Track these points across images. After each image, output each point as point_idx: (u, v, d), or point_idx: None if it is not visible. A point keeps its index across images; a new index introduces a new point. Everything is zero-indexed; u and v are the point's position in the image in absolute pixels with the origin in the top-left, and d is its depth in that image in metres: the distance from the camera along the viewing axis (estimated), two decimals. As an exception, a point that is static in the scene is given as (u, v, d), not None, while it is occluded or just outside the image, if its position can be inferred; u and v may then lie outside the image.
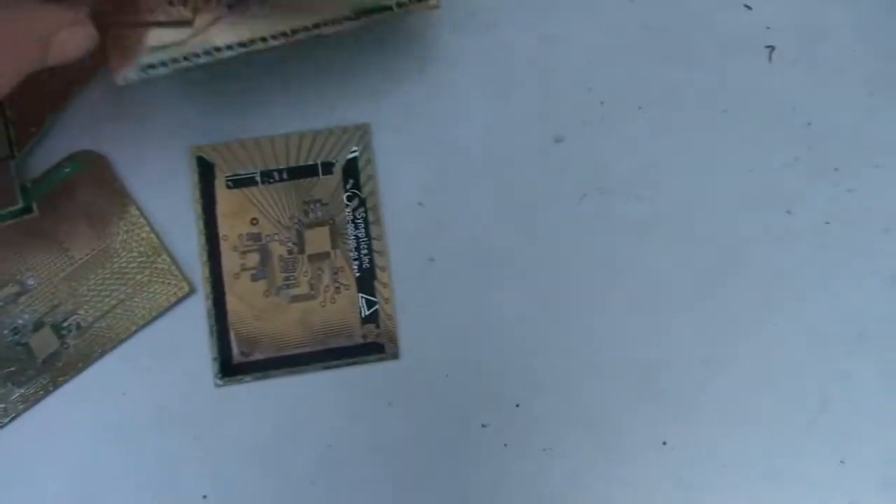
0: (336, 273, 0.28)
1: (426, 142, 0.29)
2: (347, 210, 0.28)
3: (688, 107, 0.30)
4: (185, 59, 0.26)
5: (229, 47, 0.27)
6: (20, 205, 0.29)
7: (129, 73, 0.26)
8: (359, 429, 0.28)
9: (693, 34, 0.30)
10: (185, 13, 0.26)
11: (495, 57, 0.30)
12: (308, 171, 0.29)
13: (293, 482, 0.28)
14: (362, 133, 0.29)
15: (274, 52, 0.25)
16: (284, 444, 0.28)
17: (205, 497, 0.28)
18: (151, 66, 0.26)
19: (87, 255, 0.29)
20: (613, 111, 0.29)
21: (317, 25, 0.27)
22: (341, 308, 0.28)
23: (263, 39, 0.27)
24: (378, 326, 0.28)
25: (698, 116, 0.30)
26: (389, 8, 0.27)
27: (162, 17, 0.26)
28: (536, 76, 0.30)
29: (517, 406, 0.28)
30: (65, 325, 0.28)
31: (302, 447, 0.28)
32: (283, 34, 0.27)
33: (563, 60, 0.30)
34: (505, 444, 0.28)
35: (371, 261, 0.28)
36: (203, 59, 0.26)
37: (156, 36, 0.27)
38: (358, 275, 0.28)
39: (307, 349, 0.28)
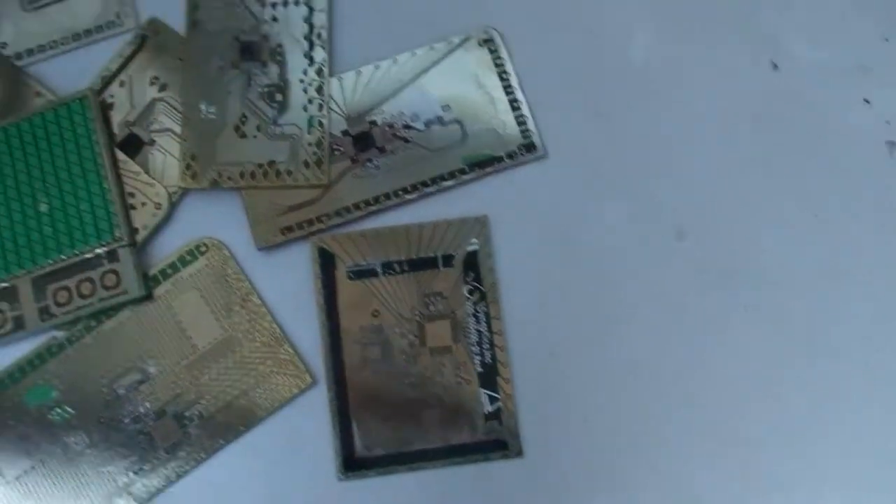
0: (458, 367, 0.28)
1: (545, 234, 0.30)
2: (468, 303, 0.28)
3: (810, 200, 0.30)
4: (319, 220, 0.29)
5: (357, 206, 0.30)
6: (142, 293, 0.29)
7: (269, 238, 0.29)
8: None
9: (812, 129, 0.30)
10: (321, 177, 0.29)
11: (615, 150, 0.31)
12: (429, 264, 0.29)
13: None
14: (481, 226, 0.29)
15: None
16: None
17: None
18: (289, 229, 0.28)
19: (209, 343, 0.29)
20: (734, 208, 0.30)
21: (434, 180, 0.30)
22: (464, 403, 0.28)
23: (387, 196, 0.29)
24: (501, 423, 0.28)
25: (820, 212, 0.30)
26: (500, 159, 0.30)
27: (299, 181, 0.29)
28: (656, 170, 0.30)
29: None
30: (187, 414, 0.29)
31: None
32: (405, 190, 0.30)
33: (681, 155, 0.31)
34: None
35: (493, 356, 0.28)
36: (334, 220, 0.29)
37: (291, 197, 0.30)
38: (480, 370, 0.28)
39: (430, 445, 0.28)
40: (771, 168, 0.30)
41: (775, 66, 0.30)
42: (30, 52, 0.32)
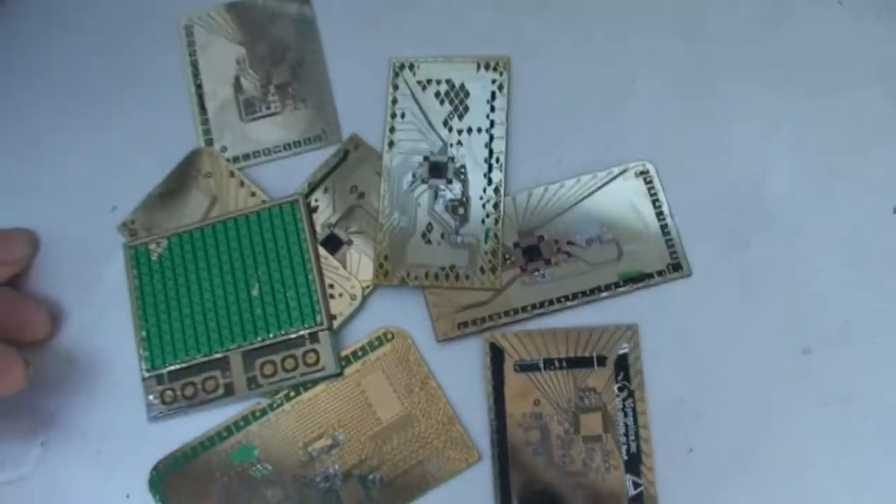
0: (607, 454, 0.33)
1: (687, 343, 0.34)
2: (618, 399, 0.33)
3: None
4: (491, 318, 0.34)
5: (524, 309, 0.35)
6: (337, 371, 0.34)
7: (447, 331, 0.34)
8: None
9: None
10: (495, 281, 0.34)
11: (749, 271, 0.35)
12: (585, 363, 0.34)
13: None
14: (632, 332, 0.34)
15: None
16: None
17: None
18: (464, 325, 0.33)
19: (391, 418, 0.34)
20: (856, 329, 0.34)
21: (592, 291, 0.35)
22: (610, 486, 0.33)
23: (551, 302, 0.34)
24: (643, 506, 0.32)
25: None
26: (651, 275, 0.35)
27: (476, 284, 0.33)
28: (786, 291, 0.35)
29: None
30: (370, 478, 0.34)
31: None
32: (566, 297, 0.35)
33: (809, 280, 0.35)
34: None
35: (637, 446, 0.33)
36: (504, 320, 0.34)
37: (468, 297, 0.34)
38: (626, 458, 0.33)
39: (580, 523, 0.32)
40: (890, 299, 0.34)
41: None
42: (246, 156, 0.38)
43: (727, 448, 0.33)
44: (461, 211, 0.35)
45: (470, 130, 0.36)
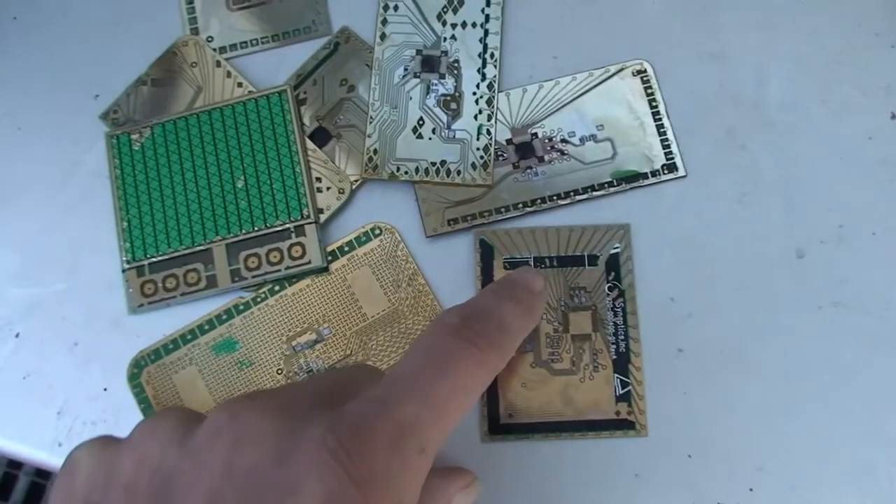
0: (595, 354, 0.33)
1: (680, 243, 0.33)
2: (608, 299, 0.33)
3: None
4: (481, 215, 0.33)
5: (515, 206, 0.34)
6: (323, 264, 0.33)
7: (437, 227, 0.34)
8: (606, 495, 0.32)
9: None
10: (486, 178, 0.33)
11: (745, 173, 0.34)
12: (575, 261, 0.33)
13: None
14: (624, 232, 0.33)
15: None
16: (537, 502, 0.32)
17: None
18: (454, 221, 0.33)
19: (377, 314, 0.34)
20: (850, 233, 0.33)
21: (585, 190, 0.34)
22: (598, 385, 0.32)
23: (542, 200, 0.33)
24: (630, 405, 0.32)
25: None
26: (645, 175, 0.34)
27: (467, 180, 0.33)
28: (781, 195, 0.34)
29: (750, 490, 0.31)
30: (354, 373, 0.33)
31: (553, 504, 0.31)
32: (559, 196, 0.34)
33: (805, 183, 0.34)
34: (737, 524, 0.31)
35: (626, 346, 0.32)
36: (495, 217, 0.33)
37: (459, 193, 0.34)
38: (614, 357, 0.32)
39: (565, 418, 0.32)
40: (884, 203, 0.34)
41: (894, 116, 0.34)
42: (233, 46, 0.37)
43: (716, 349, 0.33)
44: (453, 106, 0.34)
45: (464, 25, 0.35)
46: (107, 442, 0.23)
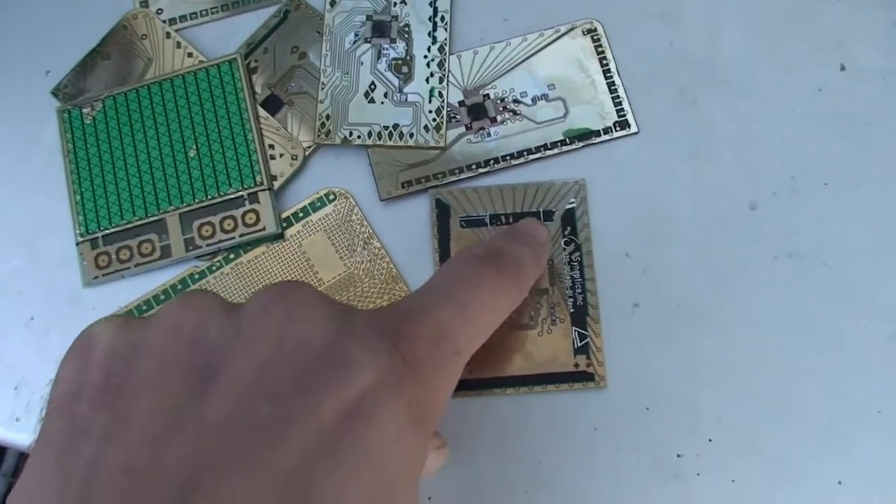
0: (553, 307, 0.32)
1: (634, 200, 0.33)
2: (565, 253, 0.33)
3: (868, 186, 0.34)
4: (435, 177, 0.33)
5: (469, 167, 0.34)
6: (278, 230, 0.33)
7: (391, 190, 0.34)
8: (566, 448, 0.32)
9: (873, 123, 0.34)
10: (439, 140, 0.33)
11: (698, 129, 0.35)
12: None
13: (507, 491, 0.31)
14: (579, 188, 0.33)
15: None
16: (499, 457, 0.32)
17: (429, 499, 0.31)
18: (408, 184, 0.33)
19: (333, 278, 0.33)
20: (802, 185, 0.33)
21: (538, 149, 0.35)
22: (556, 339, 0.32)
23: (496, 161, 0.34)
24: (588, 357, 0.32)
25: (879, 195, 0.33)
26: (597, 133, 0.34)
27: (420, 143, 0.33)
28: (733, 150, 0.34)
29: (710, 441, 0.31)
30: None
31: (515, 461, 0.32)
32: (512, 156, 0.34)
33: (757, 138, 0.34)
34: (697, 474, 0.31)
35: (584, 299, 0.32)
36: (449, 179, 0.33)
37: (412, 156, 0.34)
38: (572, 311, 0.32)
39: (525, 372, 0.32)
40: (835, 155, 0.34)
41: (843, 68, 0.34)
42: (183, 17, 0.37)
43: (673, 303, 0.33)
44: (405, 70, 0.34)
45: (414, -11, 0.34)
46: (129, 318, 0.20)
